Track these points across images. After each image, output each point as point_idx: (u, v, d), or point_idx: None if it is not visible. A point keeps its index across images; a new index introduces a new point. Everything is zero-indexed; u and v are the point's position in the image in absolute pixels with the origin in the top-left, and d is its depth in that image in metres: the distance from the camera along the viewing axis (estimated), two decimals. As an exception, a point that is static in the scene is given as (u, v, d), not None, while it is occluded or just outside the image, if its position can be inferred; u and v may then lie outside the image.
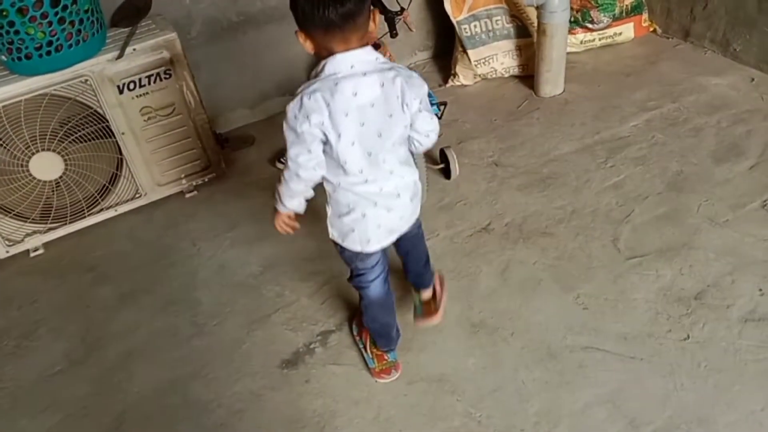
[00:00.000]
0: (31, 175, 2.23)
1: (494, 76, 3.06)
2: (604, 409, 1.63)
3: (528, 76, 2.99)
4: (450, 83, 3.08)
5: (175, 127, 2.42)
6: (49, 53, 2.05)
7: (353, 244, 1.49)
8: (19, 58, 2.05)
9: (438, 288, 1.86)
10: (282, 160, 1.44)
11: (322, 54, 1.29)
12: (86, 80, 2.17)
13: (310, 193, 1.45)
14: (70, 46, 2.08)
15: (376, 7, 1.42)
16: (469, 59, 2.99)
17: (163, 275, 2.23)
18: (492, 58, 3.01)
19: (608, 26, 3.11)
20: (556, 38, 2.71)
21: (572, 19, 2.87)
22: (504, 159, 2.55)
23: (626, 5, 3.09)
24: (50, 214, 2.34)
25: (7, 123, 2.11)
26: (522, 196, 2.34)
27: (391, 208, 1.46)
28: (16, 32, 1.97)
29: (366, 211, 1.43)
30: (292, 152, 1.33)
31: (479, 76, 3.05)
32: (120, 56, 2.20)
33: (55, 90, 2.14)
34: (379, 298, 1.65)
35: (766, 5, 2.69)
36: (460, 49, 3.00)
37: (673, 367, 1.70)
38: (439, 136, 1.53)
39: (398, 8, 2.37)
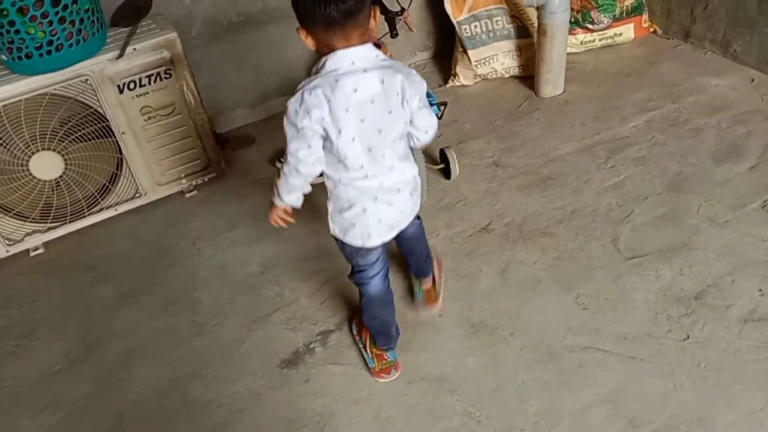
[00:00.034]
0: (31, 174, 2.23)
1: (494, 76, 3.07)
2: (603, 409, 1.63)
3: (528, 76, 2.99)
4: (450, 83, 3.08)
5: (175, 126, 2.42)
6: (49, 53, 2.05)
7: (354, 239, 1.50)
8: (20, 58, 2.05)
9: (437, 273, 1.92)
10: (282, 159, 1.45)
11: (323, 51, 1.30)
12: (86, 80, 2.17)
13: (308, 189, 1.47)
14: (71, 45, 2.08)
15: (377, 4, 1.42)
16: (470, 59, 2.99)
17: (163, 275, 2.23)
18: (492, 58, 3.01)
19: (608, 27, 3.11)
20: (557, 39, 2.71)
21: (572, 19, 2.88)
22: (504, 159, 2.55)
23: (626, 6, 3.10)
24: (50, 213, 2.34)
25: (7, 122, 2.11)
26: (522, 197, 2.34)
27: (392, 203, 1.47)
28: (17, 32, 1.97)
29: (367, 205, 1.44)
30: (292, 147, 1.34)
31: (479, 76, 3.05)
32: (120, 56, 2.20)
33: (55, 89, 2.14)
34: (379, 295, 1.66)
35: (766, 6, 2.69)
36: (461, 49, 3.00)
37: (673, 367, 1.70)
38: (438, 136, 1.54)
39: (399, 8, 2.37)
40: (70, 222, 2.39)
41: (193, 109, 2.42)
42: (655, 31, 3.24)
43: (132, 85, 2.26)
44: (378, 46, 1.39)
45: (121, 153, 2.37)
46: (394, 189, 1.46)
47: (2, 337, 2.07)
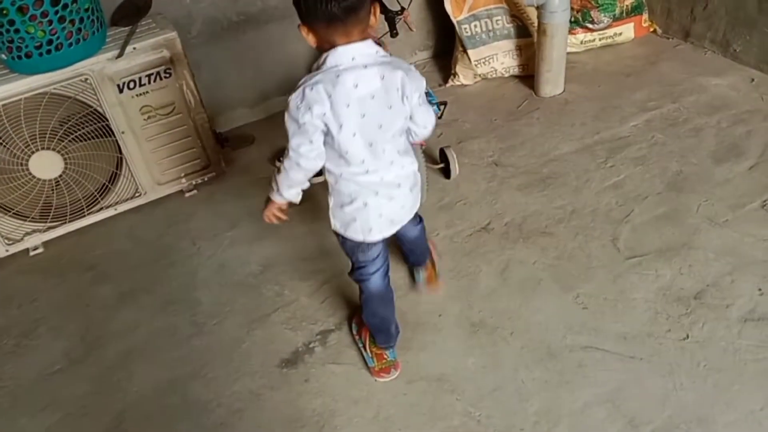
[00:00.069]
0: (30, 173, 2.23)
1: (494, 75, 3.06)
2: (603, 408, 1.63)
3: (528, 76, 2.99)
4: (450, 83, 3.08)
5: (175, 126, 2.42)
6: (49, 52, 2.05)
7: (355, 234, 1.51)
8: (19, 57, 2.05)
9: (433, 254, 1.99)
10: (281, 159, 1.45)
11: (324, 47, 1.32)
12: (86, 79, 2.17)
13: (307, 185, 1.48)
14: (70, 44, 2.08)
15: (377, 1, 1.43)
16: (470, 59, 2.99)
17: (162, 274, 2.23)
18: (492, 57, 3.01)
19: (608, 26, 3.11)
20: (557, 38, 2.71)
21: (572, 19, 2.88)
22: (504, 159, 2.55)
23: (626, 5, 3.10)
24: (50, 212, 2.34)
25: (6, 122, 2.11)
26: (522, 196, 2.34)
27: (392, 197, 1.48)
28: (16, 31, 1.97)
29: (368, 200, 1.46)
30: (293, 142, 1.35)
31: (479, 75, 3.05)
32: (120, 55, 2.20)
33: (55, 89, 2.14)
34: (379, 292, 1.66)
35: (766, 6, 2.69)
36: (461, 48, 3.00)
37: (673, 366, 1.70)
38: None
39: (399, 8, 2.37)
40: (69, 221, 2.39)
41: (192, 109, 2.42)
42: (655, 31, 3.24)
43: (132, 85, 2.26)
44: (378, 45, 1.40)
45: (120, 152, 2.37)
46: (394, 184, 1.47)
47: (2, 337, 2.07)
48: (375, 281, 1.64)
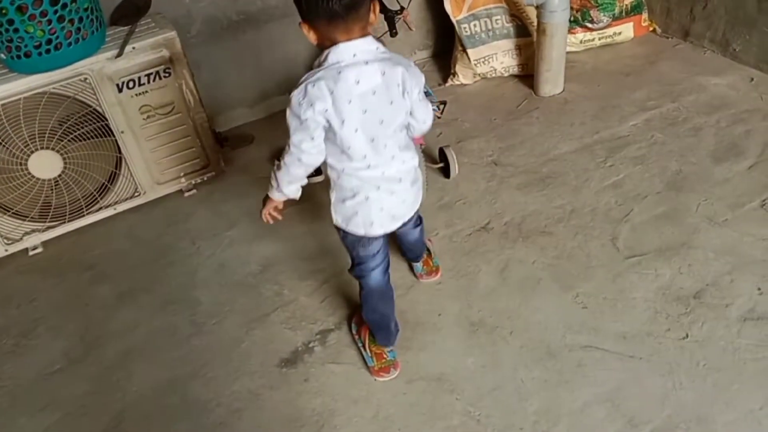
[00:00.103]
0: (29, 173, 2.23)
1: (494, 75, 3.06)
2: (603, 408, 1.63)
3: (528, 75, 2.99)
4: (449, 82, 3.08)
5: (175, 125, 2.42)
6: (48, 51, 2.05)
7: (357, 228, 1.52)
8: (18, 57, 2.04)
9: (429, 245, 2.06)
10: (280, 159, 1.46)
11: (325, 44, 1.33)
12: (85, 78, 2.17)
13: (305, 181, 1.50)
14: (70, 44, 2.08)
15: (376, -1, 1.45)
16: (469, 58, 2.99)
17: (162, 274, 2.23)
18: (492, 57, 3.01)
19: (608, 26, 3.11)
20: (556, 38, 2.71)
21: (572, 18, 2.87)
22: (503, 158, 2.55)
23: (626, 5, 3.10)
24: (49, 212, 2.34)
25: (6, 121, 2.11)
26: (521, 196, 2.34)
27: (394, 192, 1.50)
28: (16, 30, 1.97)
29: (369, 194, 1.47)
30: (295, 138, 1.37)
31: (479, 75, 3.05)
32: (119, 55, 2.20)
33: (54, 88, 2.14)
34: (379, 287, 1.67)
35: (765, 5, 2.69)
36: (460, 48, 3.00)
37: (672, 366, 1.70)
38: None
39: (398, 7, 2.37)
40: (68, 221, 2.39)
41: (192, 108, 2.42)
42: (654, 30, 3.24)
43: (131, 84, 2.26)
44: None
45: (120, 152, 2.37)
46: (395, 178, 1.48)
47: (1, 337, 2.06)
48: (375, 277, 1.64)
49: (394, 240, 1.86)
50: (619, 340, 1.79)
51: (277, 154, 2.68)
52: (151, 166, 2.45)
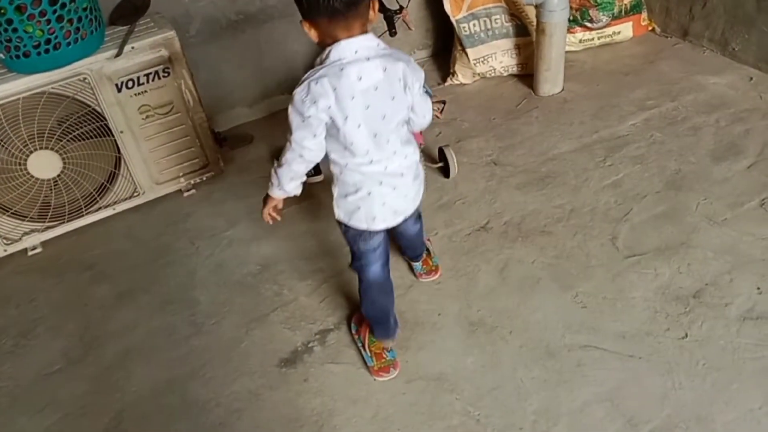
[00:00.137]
0: (29, 173, 2.23)
1: (493, 74, 3.06)
2: (602, 407, 1.63)
3: (527, 74, 2.99)
4: (449, 82, 3.08)
5: (174, 125, 2.42)
6: (47, 51, 2.05)
7: (359, 222, 1.53)
8: (17, 56, 2.04)
9: (428, 245, 2.07)
10: (279, 159, 1.47)
11: (326, 42, 1.34)
12: (84, 78, 2.17)
13: (304, 178, 1.52)
14: (69, 44, 2.08)
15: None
16: (468, 58, 2.98)
17: (161, 274, 2.23)
18: (491, 56, 3.01)
19: (607, 25, 3.11)
20: (555, 37, 2.71)
21: (571, 17, 2.87)
22: (503, 158, 2.55)
23: (625, 4, 3.09)
24: (48, 212, 2.33)
25: (5, 121, 2.11)
26: (521, 195, 2.34)
27: (396, 187, 1.51)
28: (14, 30, 1.97)
29: (372, 189, 1.48)
30: (297, 135, 1.38)
31: (478, 74, 3.05)
32: (118, 54, 2.20)
33: (53, 88, 2.13)
34: (378, 280, 1.67)
35: (764, 4, 2.69)
36: (459, 47, 3.00)
37: (672, 365, 1.70)
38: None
39: (397, 7, 2.37)
40: (68, 221, 2.39)
41: (191, 108, 2.42)
42: (653, 30, 3.24)
43: (130, 84, 2.26)
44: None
45: (119, 152, 2.36)
46: (398, 173, 1.49)
47: (0, 337, 2.06)
48: (374, 270, 1.65)
49: (394, 240, 1.86)
50: (619, 340, 1.79)
51: (277, 153, 2.67)
52: (150, 166, 2.45)
